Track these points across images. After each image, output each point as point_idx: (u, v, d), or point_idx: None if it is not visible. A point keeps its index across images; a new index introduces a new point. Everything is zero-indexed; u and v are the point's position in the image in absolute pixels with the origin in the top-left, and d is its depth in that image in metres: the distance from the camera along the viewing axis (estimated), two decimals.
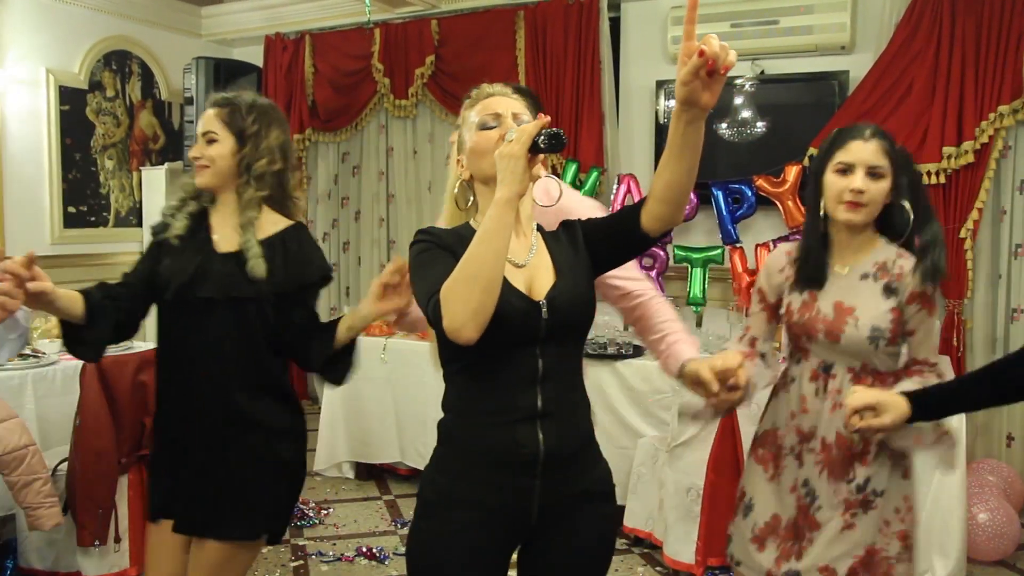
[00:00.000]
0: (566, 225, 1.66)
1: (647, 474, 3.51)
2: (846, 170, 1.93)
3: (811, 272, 1.99)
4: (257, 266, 2.00)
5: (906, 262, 1.93)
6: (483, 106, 1.62)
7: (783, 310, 2.05)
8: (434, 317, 1.42)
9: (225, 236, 2.07)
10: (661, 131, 4.83)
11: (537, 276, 1.56)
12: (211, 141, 2.07)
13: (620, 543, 3.62)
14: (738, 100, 4.59)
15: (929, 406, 1.75)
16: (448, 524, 1.53)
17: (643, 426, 3.65)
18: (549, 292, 1.53)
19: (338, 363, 2.16)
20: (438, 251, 1.52)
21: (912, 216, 1.95)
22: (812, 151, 4.29)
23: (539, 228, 1.65)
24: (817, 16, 4.35)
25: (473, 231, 1.51)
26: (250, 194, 2.05)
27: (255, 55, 5.93)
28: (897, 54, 4.13)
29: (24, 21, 4.99)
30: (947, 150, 3.99)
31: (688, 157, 1.44)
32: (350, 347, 2.16)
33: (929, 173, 4.05)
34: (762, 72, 4.57)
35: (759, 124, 4.56)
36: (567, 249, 1.61)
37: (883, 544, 1.92)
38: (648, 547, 3.57)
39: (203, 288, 2.01)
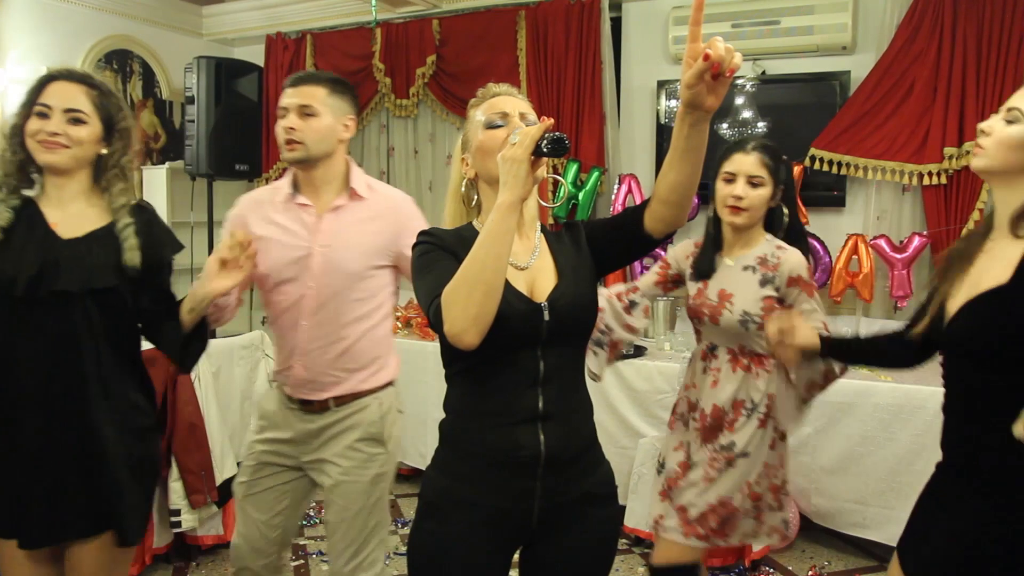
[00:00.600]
0: (569, 226, 1.66)
1: (648, 474, 3.50)
2: (730, 179, 2.32)
3: (702, 265, 2.41)
4: (132, 257, 1.92)
5: (784, 254, 2.30)
6: (489, 105, 1.62)
7: (689, 297, 2.43)
8: (435, 321, 1.42)
9: (66, 221, 1.94)
10: (662, 131, 4.83)
11: (539, 278, 1.55)
12: (77, 121, 1.95)
13: (621, 543, 3.63)
14: (739, 100, 4.59)
15: (833, 346, 2.01)
16: (448, 525, 1.53)
17: (644, 426, 3.65)
18: (551, 294, 1.53)
19: (189, 347, 2.07)
20: (439, 253, 1.52)
21: (788, 219, 2.38)
22: (813, 151, 4.30)
23: (543, 229, 1.65)
24: (818, 16, 4.34)
25: (476, 231, 1.52)
26: (119, 185, 1.99)
27: (256, 54, 5.93)
28: (898, 55, 4.13)
29: (25, 21, 4.98)
30: (948, 151, 3.99)
31: (692, 159, 1.43)
32: (200, 330, 2.08)
33: (930, 174, 4.05)
34: (763, 72, 4.57)
35: (760, 124, 4.55)
36: (569, 250, 1.61)
37: (737, 499, 2.29)
38: (649, 547, 3.57)
39: (58, 281, 1.86)
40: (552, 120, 1.46)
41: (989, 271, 1.65)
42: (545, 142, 1.42)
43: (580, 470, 1.56)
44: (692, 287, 2.42)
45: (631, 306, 2.40)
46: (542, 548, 1.58)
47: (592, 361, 2.35)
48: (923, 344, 1.88)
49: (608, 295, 2.39)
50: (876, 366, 2.41)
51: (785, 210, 2.40)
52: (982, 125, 1.75)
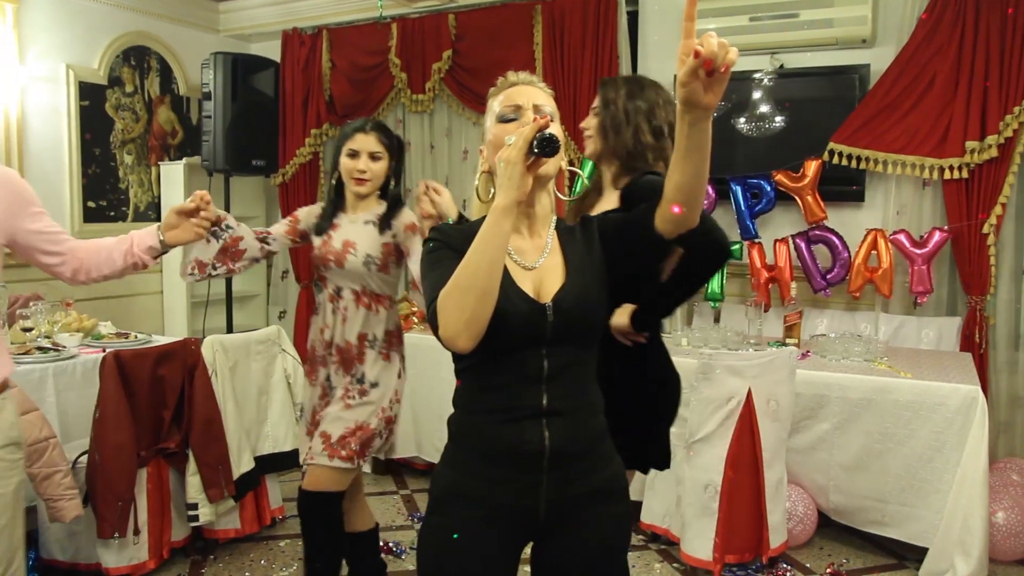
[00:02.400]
0: (584, 222, 1.64)
1: (664, 472, 3.48)
2: (353, 155, 2.68)
3: (324, 224, 2.76)
4: None
5: (398, 208, 2.74)
6: (505, 96, 1.61)
7: (315, 248, 2.74)
8: (432, 324, 1.44)
9: None
10: None
11: (547, 278, 1.54)
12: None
13: (637, 539, 3.61)
14: (756, 94, 4.55)
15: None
16: (456, 519, 1.53)
17: None
18: (556, 294, 1.51)
19: None
20: (445, 252, 1.51)
21: (393, 187, 2.80)
22: (832, 146, 4.26)
23: (558, 224, 1.63)
24: (837, 9, 4.30)
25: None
26: None
27: (273, 50, 5.94)
28: (919, 47, 4.08)
29: (45, 18, 5.02)
30: (970, 144, 3.94)
31: (695, 159, 1.39)
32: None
33: (951, 168, 4.01)
34: (781, 66, 4.53)
35: (778, 119, 4.51)
36: (581, 248, 1.59)
37: (374, 423, 2.66)
38: (665, 543, 3.56)
39: None
40: (546, 119, 1.44)
41: None
42: (535, 142, 1.40)
43: (588, 466, 1.55)
44: (317, 240, 2.74)
45: (264, 239, 2.72)
46: (551, 544, 1.57)
47: (201, 250, 2.58)
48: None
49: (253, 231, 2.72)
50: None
51: (392, 180, 2.80)
52: None
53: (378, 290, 2.72)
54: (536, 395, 1.49)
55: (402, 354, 2.80)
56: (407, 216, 2.73)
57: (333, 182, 2.78)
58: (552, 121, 1.48)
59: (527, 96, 1.60)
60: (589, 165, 4.67)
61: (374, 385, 2.70)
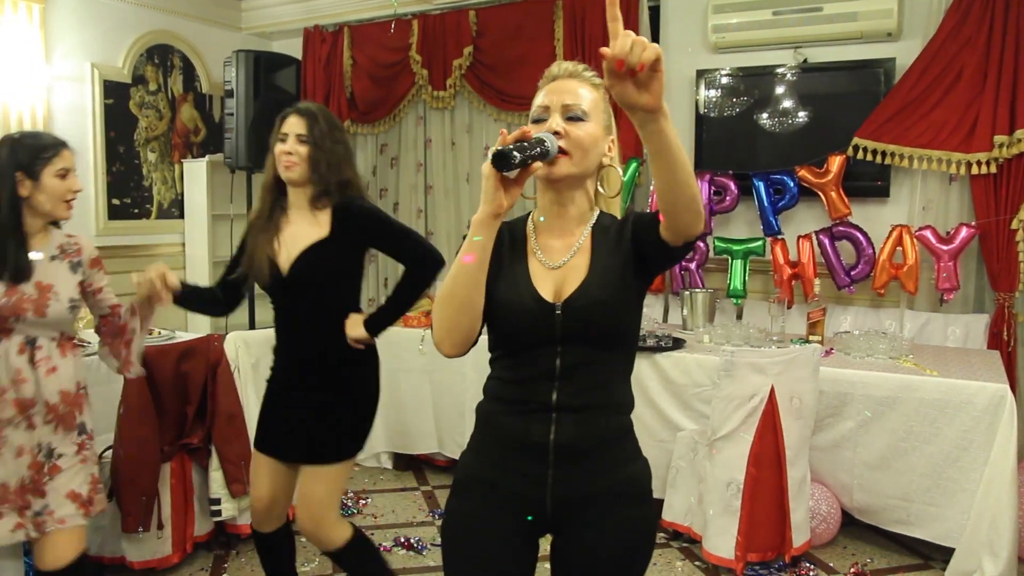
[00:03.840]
0: (624, 218, 1.61)
1: (686, 468, 3.47)
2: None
3: (15, 265, 2.30)
4: None
5: (77, 238, 2.48)
6: (541, 95, 1.59)
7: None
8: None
9: None
10: (702, 121, 4.77)
11: (569, 277, 1.54)
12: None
13: (658, 537, 3.60)
14: (779, 90, 4.51)
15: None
16: (472, 503, 1.59)
17: (682, 419, 3.61)
18: (570, 295, 1.52)
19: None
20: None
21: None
22: (857, 141, 4.21)
23: (599, 222, 1.60)
24: (862, 2, 4.24)
25: (523, 225, 1.62)
26: None
27: (294, 47, 5.97)
28: (947, 40, 4.02)
29: (71, 18, 5.07)
30: (999, 139, 3.88)
31: (663, 165, 1.30)
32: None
33: (979, 163, 3.95)
34: (804, 60, 4.49)
35: (801, 114, 4.47)
36: (611, 247, 1.56)
37: (96, 469, 2.49)
38: (687, 541, 3.54)
39: None
40: (518, 132, 1.40)
41: None
42: (493, 156, 1.38)
43: (599, 464, 1.54)
44: (0, 287, 2.28)
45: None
46: (566, 540, 1.58)
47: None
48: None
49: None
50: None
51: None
52: None
53: (72, 333, 2.47)
54: (547, 391, 1.51)
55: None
56: (89, 247, 2.50)
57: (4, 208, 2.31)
58: (544, 127, 1.49)
59: (560, 94, 1.55)
60: (634, 165, 4.66)
61: (91, 429, 2.49)
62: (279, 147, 2.44)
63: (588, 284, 1.52)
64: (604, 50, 1.18)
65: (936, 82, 4.05)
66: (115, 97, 5.33)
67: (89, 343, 3.51)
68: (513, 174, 1.39)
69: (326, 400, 2.49)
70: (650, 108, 1.20)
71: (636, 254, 1.53)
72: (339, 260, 2.47)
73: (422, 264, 2.54)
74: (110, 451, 3.11)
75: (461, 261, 1.45)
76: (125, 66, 5.38)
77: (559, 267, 1.56)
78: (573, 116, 1.52)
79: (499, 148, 1.36)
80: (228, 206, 5.61)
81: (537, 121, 1.55)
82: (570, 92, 1.55)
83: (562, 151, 1.50)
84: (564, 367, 1.51)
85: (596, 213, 1.62)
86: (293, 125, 2.44)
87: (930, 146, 4.07)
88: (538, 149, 1.41)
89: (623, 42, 1.15)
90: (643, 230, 1.51)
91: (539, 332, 1.51)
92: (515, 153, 1.36)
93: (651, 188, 4.65)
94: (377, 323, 2.50)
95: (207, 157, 5.75)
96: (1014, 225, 3.92)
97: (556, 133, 1.50)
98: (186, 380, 3.21)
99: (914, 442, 3.28)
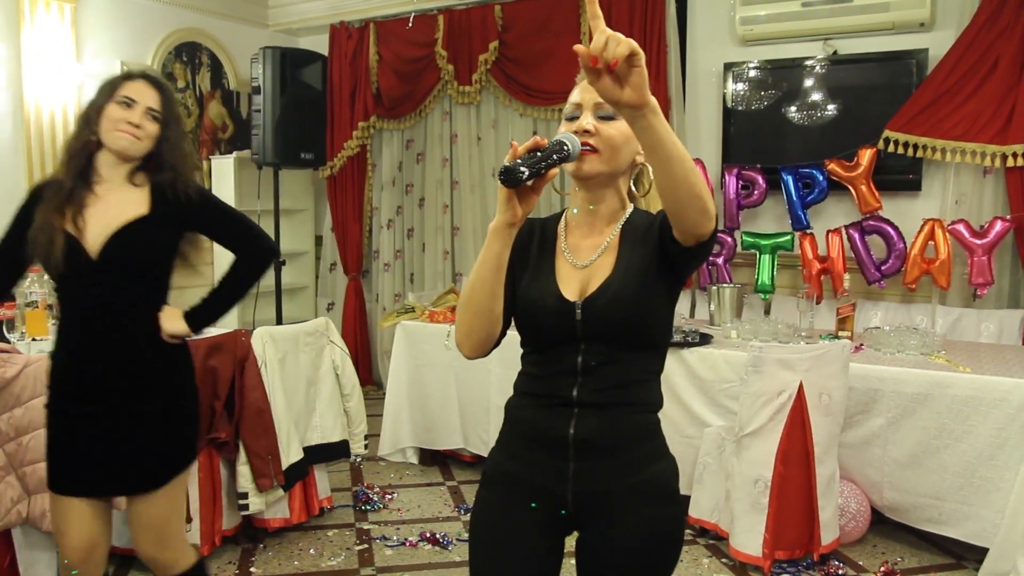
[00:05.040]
0: (655, 216, 1.57)
1: (713, 464, 3.44)
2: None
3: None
4: None
5: None
6: (575, 92, 1.57)
7: None
8: None
9: None
10: (729, 115, 4.73)
11: (594, 276, 1.55)
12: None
13: (685, 534, 3.57)
14: (808, 82, 4.46)
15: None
16: (497, 496, 1.61)
17: (709, 415, 3.58)
18: (590, 294, 1.52)
19: None
20: None
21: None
22: (888, 134, 4.14)
23: (630, 220, 1.59)
24: None
25: (556, 223, 1.64)
26: None
27: (321, 44, 6.00)
28: (982, 29, 3.95)
29: (100, 17, 5.13)
30: None
31: (658, 162, 1.28)
32: None
33: (1015, 155, 3.87)
34: (834, 52, 4.43)
35: (830, 106, 4.41)
36: (638, 245, 1.55)
37: None
38: (714, 538, 3.52)
39: None
40: (530, 142, 1.37)
41: None
42: (501, 172, 1.37)
43: (622, 461, 1.54)
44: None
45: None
46: (590, 537, 1.58)
47: None
48: None
49: None
50: None
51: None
52: None
53: None
54: (568, 387, 1.52)
55: None
56: None
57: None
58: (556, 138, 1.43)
59: (593, 92, 1.47)
60: None
61: None
62: (121, 112, 2.10)
63: (609, 283, 1.52)
64: (578, 47, 1.19)
65: (970, 73, 3.98)
66: None
67: None
68: (529, 182, 1.38)
69: (144, 411, 2.12)
70: (633, 103, 1.20)
71: (662, 252, 1.51)
72: (159, 242, 2.16)
73: (253, 253, 2.31)
74: None
75: (478, 267, 1.47)
76: (154, 63, 5.44)
77: (586, 266, 1.56)
78: (605, 115, 1.51)
79: (506, 164, 1.35)
80: (256, 202, 5.65)
81: (571, 119, 1.54)
82: None
83: (592, 148, 1.49)
84: (585, 364, 1.52)
85: (628, 211, 1.61)
86: (144, 95, 2.13)
87: (964, 138, 4.00)
88: (554, 156, 1.38)
89: (597, 38, 1.17)
90: (664, 230, 1.49)
91: (561, 330, 1.52)
92: (523, 169, 1.33)
93: None
94: (199, 317, 2.23)
95: (235, 154, 5.80)
96: None
97: (587, 131, 1.49)
98: (214, 375, 3.23)
99: (946, 440, 3.23)
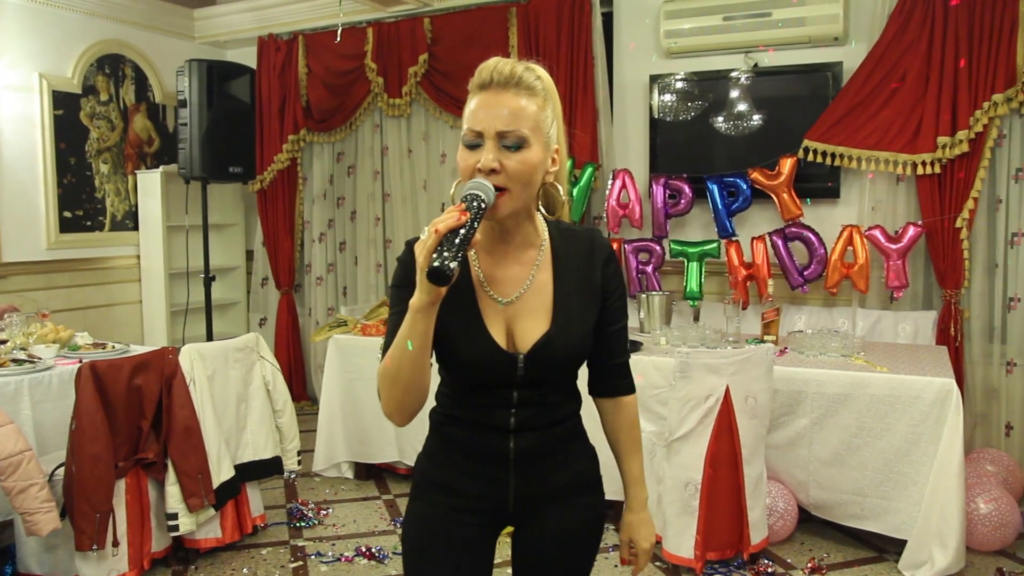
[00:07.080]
0: (591, 246, 1.54)
1: (645, 469, 3.49)
2: None
3: None
4: None
5: None
6: (470, 112, 1.41)
7: None
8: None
9: None
10: (656, 125, 4.83)
11: (526, 317, 1.47)
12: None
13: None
14: (732, 93, 4.59)
15: None
16: (431, 506, 1.58)
17: (640, 421, 3.62)
18: (536, 343, 1.46)
19: None
20: (401, 295, 1.44)
21: None
22: (807, 143, 4.29)
23: (553, 244, 1.52)
24: (809, 8, 4.33)
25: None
26: None
27: (249, 56, 5.92)
28: (890, 45, 4.13)
29: (16, 26, 4.98)
30: (942, 140, 3.99)
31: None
32: None
33: (924, 163, 4.05)
34: (755, 65, 4.57)
35: (754, 117, 4.55)
36: (575, 280, 1.51)
37: None
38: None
39: None
40: (451, 220, 1.25)
41: None
42: (430, 276, 1.25)
43: (556, 464, 1.57)
44: None
45: None
46: (527, 532, 1.61)
47: None
48: None
49: None
50: None
51: None
52: None
53: None
54: (504, 417, 1.50)
55: None
56: None
57: None
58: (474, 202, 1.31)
59: (493, 117, 1.37)
60: (589, 170, 4.68)
61: None
62: None
63: (552, 335, 1.46)
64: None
65: (881, 85, 4.15)
66: (65, 108, 5.24)
67: (40, 359, 3.46)
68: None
69: None
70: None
71: (603, 295, 1.54)
72: None
73: None
74: (62, 468, 3.05)
75: (403, 345, 1.35)
76: (75, 76, 5.30)
77: (510, 303, 1.48)
78: (509, 144, 1.37)
79: (434, 266, 1.22)
80: (183, 217, 5.54)
81: (471, 147, 1.39)
82: (505, 113, 1.37)
83: (500, 189, 1.36)
84: (521, 399, 1.50)
85: (545, 231, 1.52)
86: None
87: (877, 147, 4.16)
88: (475, 224, 1.28)
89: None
90: (608, 291, 1.55)
91: (499, 378, 1.48)
92: (451, 265, 1.22)
93: (608, 191, 4.69)
94: None
95: (161, 168, 5.68)
96: (958, 224, 4.03)
97: (493, 171, 1.36)
98: (140, 394, 3.16)
99: (866, 437, 3.35)
